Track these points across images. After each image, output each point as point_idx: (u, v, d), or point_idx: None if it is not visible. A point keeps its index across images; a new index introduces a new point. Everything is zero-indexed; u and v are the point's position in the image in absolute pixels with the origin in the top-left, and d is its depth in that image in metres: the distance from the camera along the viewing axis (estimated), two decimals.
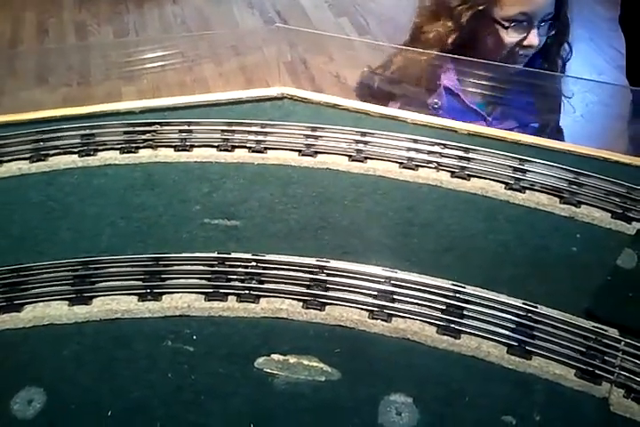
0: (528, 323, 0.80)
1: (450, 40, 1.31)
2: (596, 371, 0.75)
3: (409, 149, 1.07)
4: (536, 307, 0.81)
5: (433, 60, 1.30)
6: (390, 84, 1.34)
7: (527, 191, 0.99)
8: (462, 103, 1.33)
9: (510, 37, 1.26)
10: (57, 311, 0.84)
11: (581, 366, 0.76)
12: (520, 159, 1.02)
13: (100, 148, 1.07)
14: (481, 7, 1.26)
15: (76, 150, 1.07)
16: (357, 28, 3.00)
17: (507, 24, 1.25)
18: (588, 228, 0.95)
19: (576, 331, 0.79)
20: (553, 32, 1.30)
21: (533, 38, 1.26)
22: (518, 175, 1.00)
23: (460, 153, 1.05)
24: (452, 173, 1.03)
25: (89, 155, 1.06)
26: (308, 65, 2.10)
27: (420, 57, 1.30)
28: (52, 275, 0.87)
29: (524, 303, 0.82)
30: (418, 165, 1.05)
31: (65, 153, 1.06)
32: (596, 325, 0.80)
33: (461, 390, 0.76)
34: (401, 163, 1.05)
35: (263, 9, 3.17)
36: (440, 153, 1.05)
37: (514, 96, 1.33)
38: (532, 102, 1.35)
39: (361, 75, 1.46)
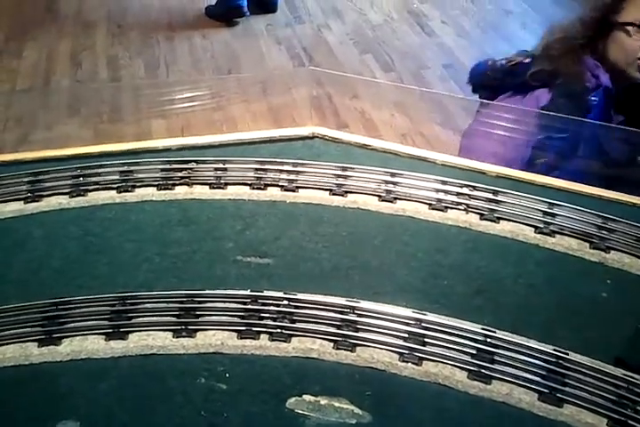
0: (559, 370, 0.80)
1: (576, 31, 1.32)
2: (629, 421, 0.75)
3: (438, 191, 1.08)
4: (567, 354, 0.82)
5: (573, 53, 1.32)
6: (548, 71, 1.34)
7: (557, 235, 1.00)
8: (609, 105, 1.34)
9: (632, 42, 1.26)
10: (94, 346, 0.85)
11: (613, 415, 0.76)
12: (549, 203, 1.04)
13: (138, 184, 1.10)
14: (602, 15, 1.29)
15: (114, 186, 1.10)
16: (382, 65, 3.05)
17: (630, 29, 1.25)
18: (619, 273, 0.95)
19: (607, 379, 0.79)
20: None
21: None
22: (548, 219, 1.01)
23: (489, 195, 1.06)
24: (482, 215, 1.04)
25: (127, 191, 1.09)
26: (337, 106, 2.14)
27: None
28: (89, 309, 0.89)
29: (554, 350, 0.82)
30: (447, 207, 1.06)
31: (104, 189, 1.10)
32: (626, 373, 0.80)
33: None
34: (430, 204, 1.07)
35: (290, 45, 3.25)
36: (469, 195, 1.07)
37: None
38: None
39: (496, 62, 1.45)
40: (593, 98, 1.31)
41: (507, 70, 1.42)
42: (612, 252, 0.97)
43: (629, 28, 1.26)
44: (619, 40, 1.29)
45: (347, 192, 1.10)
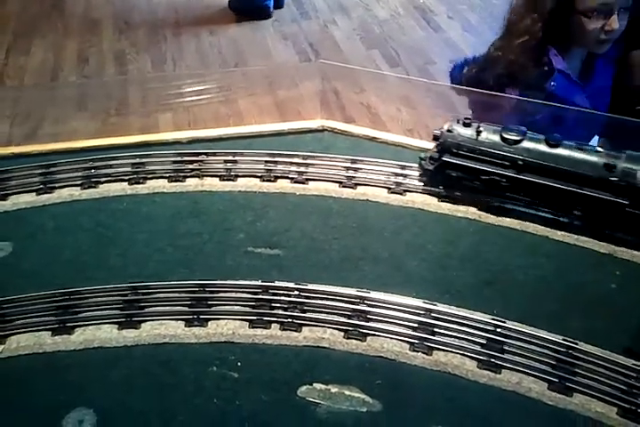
0: (569, 360, 0.80)
1: (537, 29, 1.37)
2: (639, 410, 0.75)
3: None
4: (576, 344, 0.82)
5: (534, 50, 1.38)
6: (506, 74, 1.41)
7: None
8: (570, 80, 1.41)
9: (593, 25, 1.33)
10: (107, 335, 0.86)
11: (623, 404, 0.76)
12: None
13: (149, 176, 1.11)
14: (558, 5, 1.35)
15: (126, 178, 1.11)
16: (388, 60, 3.05)
17: (590, 14, 1.32)
18: (628, 265, 0.96)
19: (616, 369, 0.79)
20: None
21: (614, 23, 1.33)
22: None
23: None
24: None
25: (138, 183, 1.10)
26: (345, 100, 2.13)
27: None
28: (102, 299, 0.90)
29: (564, 340, 0.82)
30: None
31: (115, 181, 1.11)
32: (636, 363, 0.80)
33: (502, 425, 0.76)
34: (439, 196, 1.07)
35: (296, 40, 3.24)
36: None
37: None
38: None
39: (468, 71, 1.51)
40: (552, 84, 1.38)
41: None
42: (622, 244, 0.97)
43: (588, 13, 1.33)
44: (580, 24, 1.35)
45: (356, 184, 1.11)
